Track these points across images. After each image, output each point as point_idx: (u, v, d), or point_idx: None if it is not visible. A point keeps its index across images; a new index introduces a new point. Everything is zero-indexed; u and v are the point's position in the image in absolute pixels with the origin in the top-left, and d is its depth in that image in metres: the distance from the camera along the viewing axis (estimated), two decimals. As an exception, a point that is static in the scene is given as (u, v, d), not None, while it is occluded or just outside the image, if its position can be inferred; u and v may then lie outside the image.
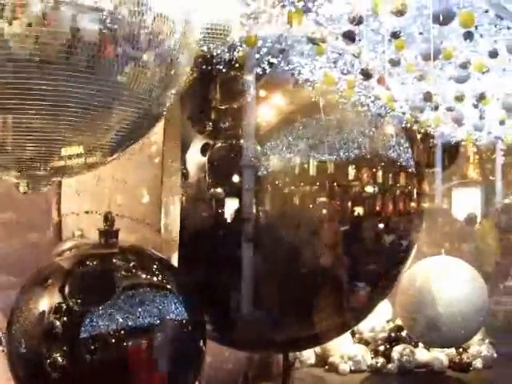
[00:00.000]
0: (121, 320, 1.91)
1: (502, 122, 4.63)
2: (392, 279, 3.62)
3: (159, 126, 3.23)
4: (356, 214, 3.43)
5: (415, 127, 3.98)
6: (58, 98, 1.45)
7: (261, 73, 3.58)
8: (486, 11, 3.45)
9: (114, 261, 2.07)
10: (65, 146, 1.55)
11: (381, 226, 3.41)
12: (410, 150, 3.60)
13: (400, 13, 2.81)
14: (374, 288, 3.50)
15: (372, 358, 4.88)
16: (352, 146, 3.54)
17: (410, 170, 3.58)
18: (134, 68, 1.50)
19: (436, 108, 4.05)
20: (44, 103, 1.44)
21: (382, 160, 3.46)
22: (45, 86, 1.41)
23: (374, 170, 3.44)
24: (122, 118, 1.60)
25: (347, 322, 3.72)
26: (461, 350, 4.98)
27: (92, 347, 1.89)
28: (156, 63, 1.54)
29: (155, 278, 2.09)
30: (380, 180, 3.46)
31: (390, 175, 3.54)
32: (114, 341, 1.90)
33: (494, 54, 3.51)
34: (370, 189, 3.51)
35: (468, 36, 3.20)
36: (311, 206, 3.54)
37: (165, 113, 1.80)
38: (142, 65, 1.52)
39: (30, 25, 1.33)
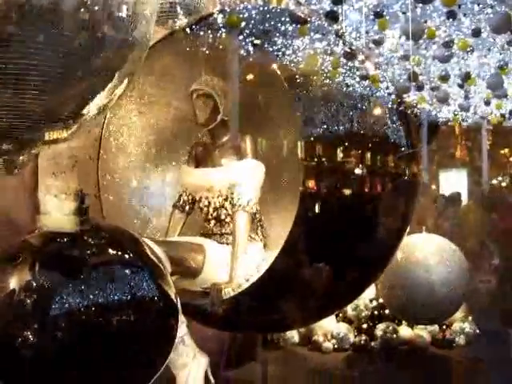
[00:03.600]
0: (91, 297, 1.91)
1: (487, 102, 4.64)
2: (385, 260, 3.59)
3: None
4: (346, 195, 3.41)
5: (401, 107, 3.97)
6: (18, 71, 1.46)
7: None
8: (469, -11, 3.45)
9: (85, 238, 2.07)
10: (27, 118, 1.55)
11: (374, 207, 3.37)
12: (402, 128, 3.59)
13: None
14: (367, 271, 3.47)
15: (355, 336, 4.94)
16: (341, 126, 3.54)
17: (403, 149, 3.56)
18: (90, 38, 1.50)
19: (421, 88, 4.06)
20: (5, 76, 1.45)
21: (374, 139, 3.44)
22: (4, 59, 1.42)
23: (364, 150, 3.42)
24: (81, 88, 1.60)
25: (338, 303, 3.73)
26: (444, 327, 5.06)
27: (63, 324, 1.89)
28: (111, 33, 1.53)
29: (126, 255, 2.09)
30: (372, 160, 3.42)
31: (383, 155, 3.52)
32: (84, 317, 1.90)
33: (477, 33, 3.51)
34: (358, 170, 3.50)
35: (451, 15, 3.20)
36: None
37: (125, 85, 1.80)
38: (98, 35, 1.51)
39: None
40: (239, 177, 3.35)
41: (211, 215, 3.49)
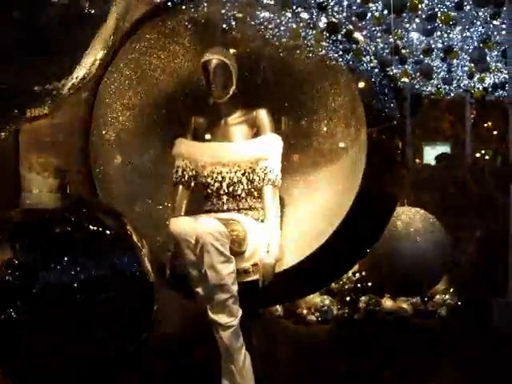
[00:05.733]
0: (73, 273, 1.91)
1: (470, 76, 4.64)
2: (375, 236, 3.60)
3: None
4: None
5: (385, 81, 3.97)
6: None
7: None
8: (452, -38, 3.44)
9: (66, 214, 2.07)
10: (6, 95, 1.54)
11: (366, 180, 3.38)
12: (393, 101, 3.58)
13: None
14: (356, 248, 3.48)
15: (339, 308, 5.01)
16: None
17: (394, 122, 3.53)
18: (65, 13, 1.48)
19: (403, 61, 4.06)
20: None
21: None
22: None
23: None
24: (59, 63, 1.60)
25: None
26: (426, 298, 5.14)
27: (45, 301, 1.88)
28: (87, 7, 1.52)
29: (108, 231, 2.08)
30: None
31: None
32: (66, 293, 1.90)
33: (459, 6, 3.50)
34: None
35: (433, -12, 3.19)
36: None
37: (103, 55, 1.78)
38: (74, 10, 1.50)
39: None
40: (265, 152, 3.27)
41: (224, 191, 3.35)
